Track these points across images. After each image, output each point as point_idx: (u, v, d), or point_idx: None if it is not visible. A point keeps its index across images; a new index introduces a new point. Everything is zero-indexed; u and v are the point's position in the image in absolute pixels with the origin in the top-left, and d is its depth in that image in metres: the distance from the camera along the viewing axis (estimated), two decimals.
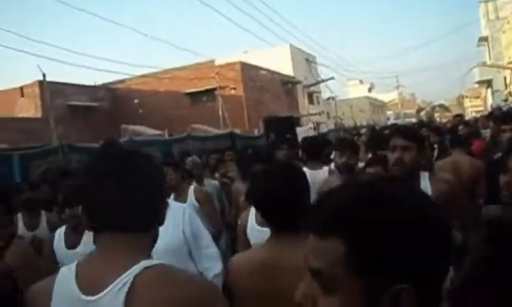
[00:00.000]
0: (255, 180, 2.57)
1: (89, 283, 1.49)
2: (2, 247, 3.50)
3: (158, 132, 22.49)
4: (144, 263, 1.49)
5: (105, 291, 1.45)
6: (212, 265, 3.94)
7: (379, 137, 7.80)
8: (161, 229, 3.86)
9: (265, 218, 2.41)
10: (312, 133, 19.77)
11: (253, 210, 3.94)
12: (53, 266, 4.41)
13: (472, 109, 58.16)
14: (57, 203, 6.15)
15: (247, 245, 3.80)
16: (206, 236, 4.07)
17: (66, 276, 1.55)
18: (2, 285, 3.27)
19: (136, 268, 1.47)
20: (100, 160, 1.68)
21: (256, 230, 3.76)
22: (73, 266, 1.58)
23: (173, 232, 3.90)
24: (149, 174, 1.67)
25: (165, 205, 1.73)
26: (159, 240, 3.75)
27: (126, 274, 1.46)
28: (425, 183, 3.50)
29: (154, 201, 1.67)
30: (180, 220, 3.93)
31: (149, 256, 1.61)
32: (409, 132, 3.72)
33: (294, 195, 2.35)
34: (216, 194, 7.60)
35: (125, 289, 1.43)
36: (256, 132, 22.20)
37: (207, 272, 3.93)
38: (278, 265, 2.26)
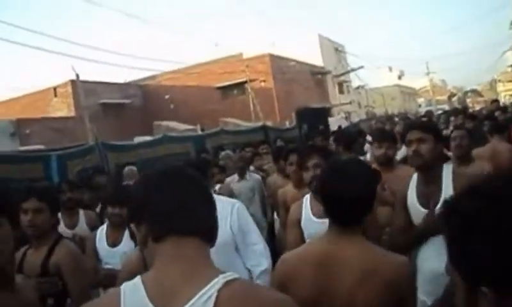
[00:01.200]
0: (327, 175, 2.43)
1: (164, 297, 1.40)
2: (50, 249, 3.56)
3: (190, 126, 22.66)
4: (224, 277, 1.42)
5: (187, 305, 1.36)
6: (259, 262, 3.90)
7: None
8: None
9: (332, 214, 2.32)
10: (344, 123, 19.68)
11: (307, 201, 3.95)
12: (96, 264, 4.50)
13: (506, 93, 56.88)
14: (84, 201, 6.23)
15: (300, 237, 3.80)
16: (254, 233, 3.99)
17: (133, 291, 1.44)
18: (54, 284, 3.37)
19: (217, 282, 1.39)
20: (161, 170, 1.67)
21: (314, 222, 3.74)
22: (137, 281, 1.47)
23: (221, 227, 3.88)
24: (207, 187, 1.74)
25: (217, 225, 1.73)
26: None
27: (208, 286, 1.38)
28: (447, 180, 3.40)
29: (214, 211, 1.69)
30: (228, 215, 3.85)
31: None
32: (423, 123, 3.76)
33: (368, 193, 2.30)
34: (257, 187, 7.58)
35: (211, 303, 1.35)
36: (287, 124, 22.16)
37: (254, 269, 3.89)
38: (339, 262, 2.20)
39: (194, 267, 1.46)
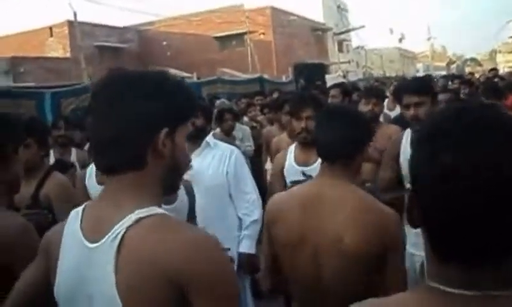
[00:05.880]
0: (321, 116, 2.53)
1: (93, 229, 1.42)
2: (40, 181, 3.54)
3: (187, 74, 22.45)
4: (138, 213, 1.36)
5: (102, 241, 1.37)
6: (251, 212, 3.96)
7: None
8: (205, 165, 3.88)
9: (322, 150, 2.36)
10: (341, 81, 19.54)
11: (291, 151, 3.99)
12: (85, 200, 4.50)
13: (505, 65, 56.54)
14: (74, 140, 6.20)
15: (283, 185, 3.80)
16: (249, 182, 4.05)
17: (73, 220, 1.49)
18: (44, 216, 3.34)
19: (129, 219, 1.36)
20: (93, 95, 1.54)
21: (296, 169, 3.77)
22: (80, 209, 1.51)
23: (217, 170, 3.90)
24: (142, 98, 1.43)
25: (159, 135, 1.43)
26: (202, 176, 3.75)
27: (120, 224, 1.36)
28: None
29: (140, 131, 1.42)
30: (226, 160, 3.91)
31: (155, 197, 1.46)
32: (420, 87, 3.69)
33: (357, 132, 2.33)
34: (246, 139, 7.59)
35: (117, 242, 1.34)
36: (284, 78, 22.04)
37: (245, 218, 3.96)
38: (328, 201, 2.21)
39: (120, 203, 1.41)
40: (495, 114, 0.99)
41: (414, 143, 1.06)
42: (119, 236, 1.34)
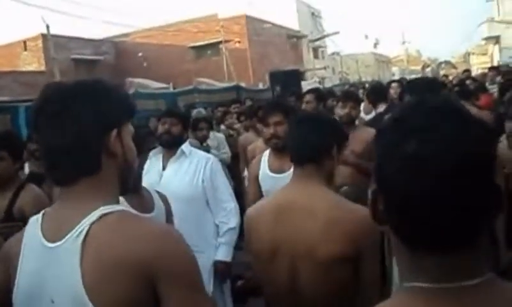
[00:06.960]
0: (292, 123, 2.63)
1: (53, 230, 1.44)
2: (14, 194, 3.52)
3: (163, 85, 22.39)
4: (102, 210, 1.41)
5: (65, 238, 1.39)
6: (228, 219, 3.97)
7: (379, 89, 7.33)
8: (181, 173, 3.88)
9: (292, 152, 2.42)
10: (316, 86, 19.66)
11: (265, 158, 3.98)
12: None
13: (479, 66, 57.15)
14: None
15: (259, 192, 3.82)
16: (226, 190, 4.08)
17: (33, 225, 1.52)
18: (18, 228, 3.32)
19: (93, 215, 1.39)
20: (36, 112, 1.51)
21: (270, 177, 3.78)
22: (40, 214, 1.53)
23: (192, 180, 3.91)
24: (86, 103, 1.47)
25: (108, 137, 1.48)
26: (177, 186, 3.76)
27: (84, 221, 1.39)
28: None
29: (92, 137, 1.46)
30: (201, 168, 3.92)
31: (114, 197, 1.51)
32: (427, 87, 3.73)
33: (323, 134, 2.38)
34: (221, 146, 7.63)
35: (81, 237, 1.37)
36: (261, 86, 22.11)
37: (222, 226, 3.97)
38: (300, 209, 2.21)
39: (82, 203, 1.44)
40: (449, 103, 1.04)
41: (376, 135, 1.09)
42: (83, 232, 1.37)
